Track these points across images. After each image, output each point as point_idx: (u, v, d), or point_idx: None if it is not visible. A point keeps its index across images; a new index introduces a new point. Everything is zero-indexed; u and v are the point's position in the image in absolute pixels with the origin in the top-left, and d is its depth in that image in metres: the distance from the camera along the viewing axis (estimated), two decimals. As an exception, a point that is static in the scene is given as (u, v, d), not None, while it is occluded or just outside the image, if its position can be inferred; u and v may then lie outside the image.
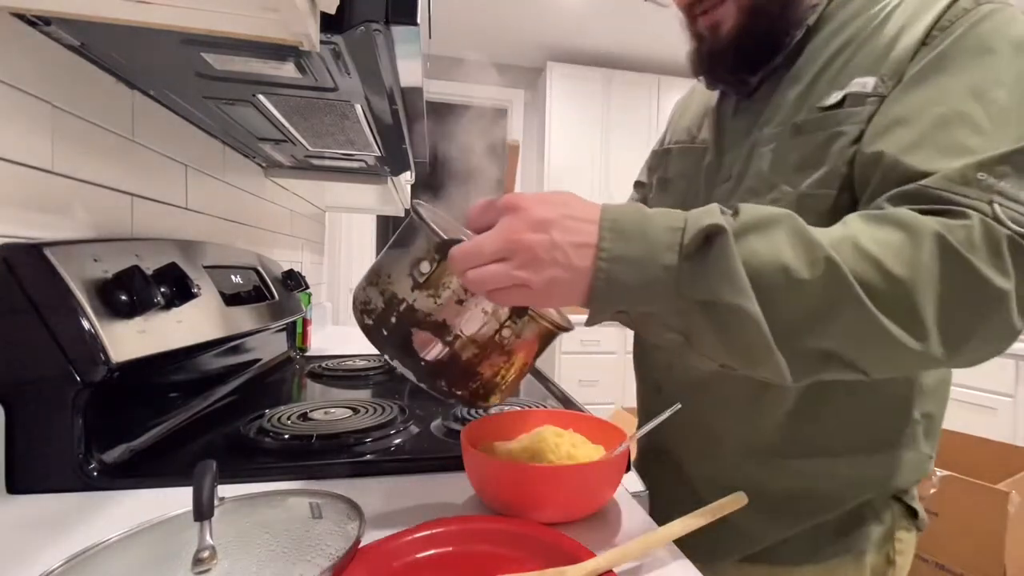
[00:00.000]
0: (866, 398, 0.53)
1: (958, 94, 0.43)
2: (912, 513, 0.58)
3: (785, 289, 0.37)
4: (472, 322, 0.43)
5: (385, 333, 0.44)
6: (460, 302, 0.42)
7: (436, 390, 0.46)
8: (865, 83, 0.48)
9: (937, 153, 0.42)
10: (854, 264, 0.38)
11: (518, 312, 0.43)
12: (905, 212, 0.40)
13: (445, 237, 0.42)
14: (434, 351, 0.43)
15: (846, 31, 0.53)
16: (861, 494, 0.55)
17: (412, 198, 0.48)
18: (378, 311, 0.44)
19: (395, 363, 0.45)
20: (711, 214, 0.39)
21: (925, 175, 0.41)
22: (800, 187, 0.51)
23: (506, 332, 0.44)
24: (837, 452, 0.54)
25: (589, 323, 0.41)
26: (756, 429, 0.56)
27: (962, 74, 0.43)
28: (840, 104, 0.49)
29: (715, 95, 0.66)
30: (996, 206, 0.39)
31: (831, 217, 0.48)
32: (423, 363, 0.44)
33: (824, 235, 0.39)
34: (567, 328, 0.48)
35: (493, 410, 0.70)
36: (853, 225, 0.41)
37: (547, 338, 0.47)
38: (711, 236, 0.38)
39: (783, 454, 0.56)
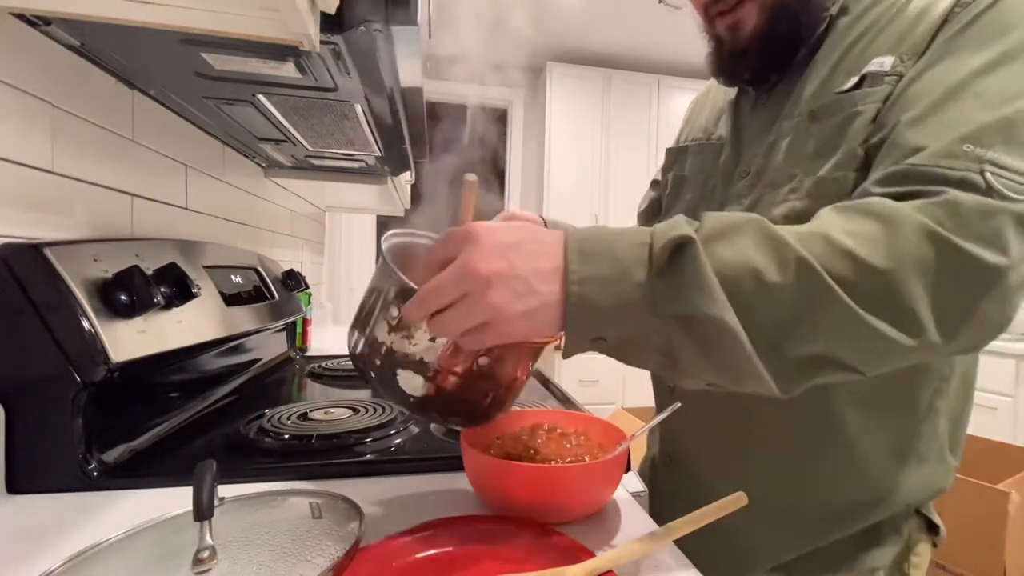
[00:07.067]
0: (891, 406, 0.52)
1: (973, 68, 0.42)
2: (931, 527, 0.57)
3: (759, 294, 0.36)
4: (449, 356, 0.43)
5: (374, 376, 0.45)
6: (434, 339, 0.42)
7: (432, 421, 0.46)
8: (883, 62, 0.47)
9: (939, 126, 0.40)
10: (827, 260, 0.36)
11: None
12: (880, 200, 0.39)
13: (408, 283, 0.41)
14: (419, 388, 0.43)
15: (867, 17, 0.52)
16: (884, 510, 0.53)
17: (387, 231, 0.48)
18: (365, 355, 0.45)
19: (390, 402, 0.45)
20: (677, 226, 0.37)
21: (919, 150, 0.40)
22: (818, 173, 0.49)
23: (483, 361, 0.43)
24: (861, 463, 0.53)
25: (566, 354, 0.40)
26: (777, 435, 0.55)
27: (981, 49, 0.42)
28: (858, 86, 0.48)
29: (733, 91, 0.66)
30: (988, 175, 0.37)
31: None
32: (411, 399, 0.44)
33: (793, 234, 0.37)
34: (548, 342, 0.46)
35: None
36: (824, 219, 0.39)
37: (532, 354, 0.46)
38: (679, 248, 0.36)
39: (810, 461, 0.54)
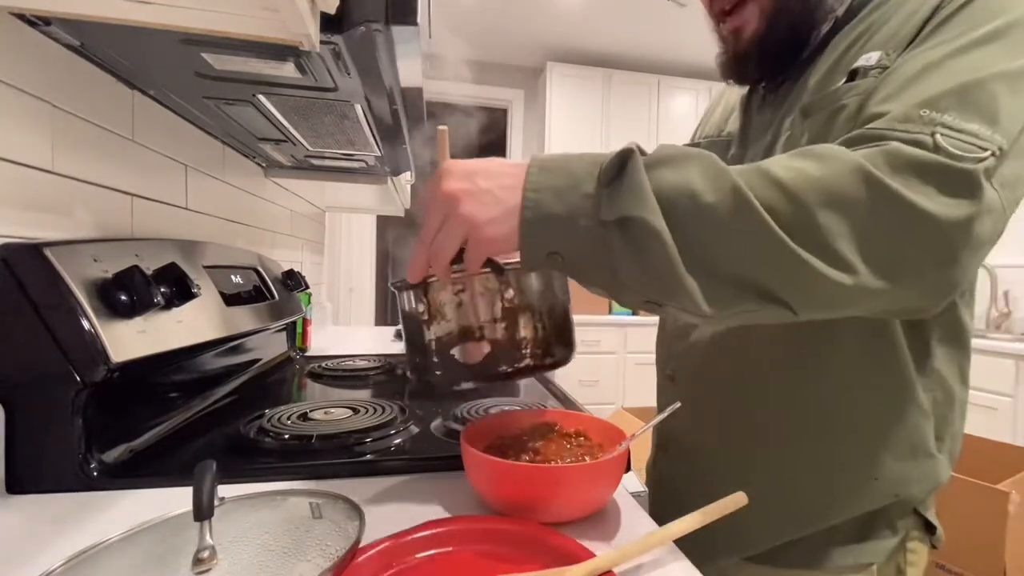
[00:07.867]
0: (876, 394, 0.52)
1: (950, 50, 0.42)
2: (928, 528, 0.57)
3: (692, 212, 0.38)
4: (480, 309, 0.46)
5: (439, 374, 0.48)
6: (460, 304, 0.46)
7: (504, 377, 0.49)
8: (870, 57, 0.49)
9: (904, 95, 0.41)
10: (760, 190, 0.38)
11: (497, 270, 0.45)
12: (827, 146, 0.40)
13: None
14: (474, 353, 0.47)
15: (869, 19, 0.53)
16: (872, 499, 0.53)
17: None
18: (424, 366, 0.49)
19: (464, 386, 0.52)
20: (626, 147, 0.40)
21: (880, 116, 0.41)
22: None
23: (510, 294, 0.47)
24: (849, 450, 0.53)
25: (526, 266, 0.43)
26: (772, 422, 0.56)
27: (964, 34, 0.43)
28: (847, 83, 0.50)
29: (746, 89, 0.67)
30: (939, 136, 0.38)
31: None
32: (478, 368, 0.47)
33: (737, 168, 0.40)
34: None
35: (493, 410, 0.70)
36: (770, 159, 0.41)
37: (550, 275, 0.49)
38: (624, 161, 0.39)
39: (798, 448, 0.55)
